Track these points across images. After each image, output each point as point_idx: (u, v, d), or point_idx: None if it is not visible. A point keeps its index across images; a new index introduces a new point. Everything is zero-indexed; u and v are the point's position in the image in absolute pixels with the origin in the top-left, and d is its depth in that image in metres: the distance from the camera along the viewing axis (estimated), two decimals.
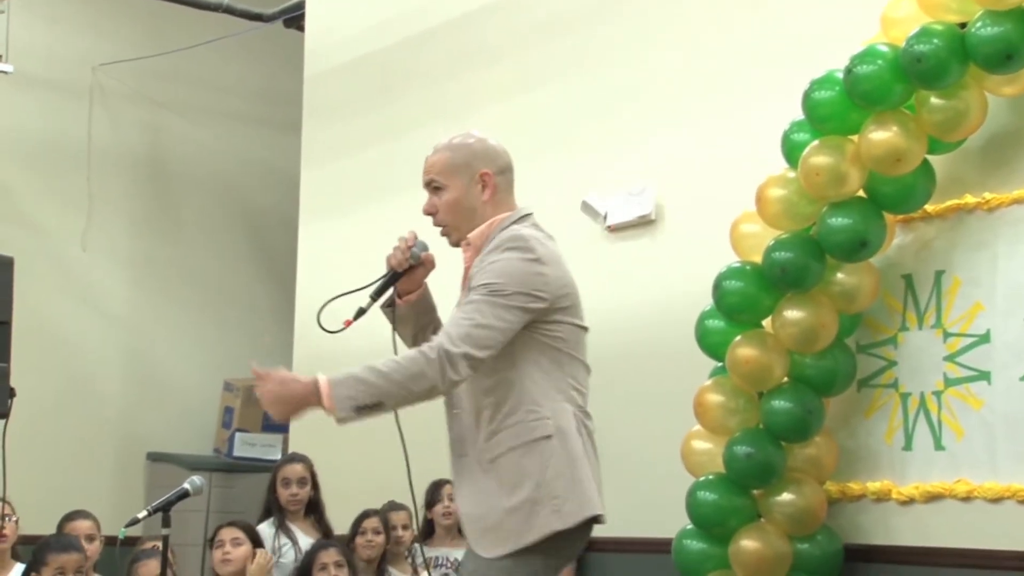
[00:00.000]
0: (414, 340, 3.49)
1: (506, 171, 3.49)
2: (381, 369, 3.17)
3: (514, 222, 3.40)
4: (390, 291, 3.50)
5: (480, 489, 3.30)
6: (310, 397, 3.17)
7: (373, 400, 3.15)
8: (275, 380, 3.22)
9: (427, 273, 3.52)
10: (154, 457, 8.32)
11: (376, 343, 3.69)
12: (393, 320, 3.52)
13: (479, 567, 3.28)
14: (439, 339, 3.20)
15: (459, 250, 3.48)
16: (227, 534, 5.12)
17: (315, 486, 5.55)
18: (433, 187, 3.45)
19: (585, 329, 3.42)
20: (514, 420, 3.27)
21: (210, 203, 8.91)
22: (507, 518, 3.23)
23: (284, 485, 5.48)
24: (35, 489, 7.33)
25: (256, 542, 5.15)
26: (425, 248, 3.49)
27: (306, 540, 5.42)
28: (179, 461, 8.08)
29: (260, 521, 5.48)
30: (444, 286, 3.58)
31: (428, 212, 3.46)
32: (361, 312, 3.41)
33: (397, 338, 3.55)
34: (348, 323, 3.39)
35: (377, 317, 3.54)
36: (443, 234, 3.47)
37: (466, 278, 3.42)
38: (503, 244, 3.32)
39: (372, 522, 5.53)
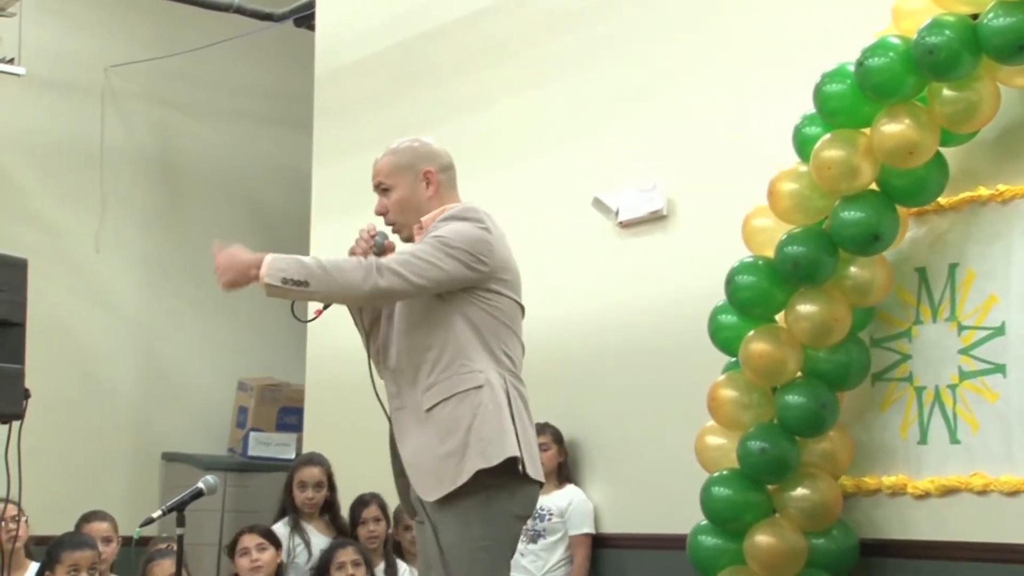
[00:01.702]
0: (367, 334, 3.79)
1: (447, 169, 3.79)
2: (320, 259, 3.48)
3: (465, 208, 3.69)
4: None
5: (418, 438, 3.56)
6: (252, 267, 3.46)
7: (300, 277, 3.42)
8: (228, 252, 3.53)
9: None
10: (169, 457, 8.34)
11: None
12: (357, 312, 3.78)
13: (435, 516, 3.50)
14: (382, 258, 3.54)
15: None
16: (251, 541, 5.12)
17: (331, 487, 5.56)
18: (382, 189, 3.76)
19: (522, 308, 3.71)
20: (449, 373, 3.53)
21: (222, 202, 8.92)
22: (442, 463, 3.48)
23: (300, 488, 5.49)
24: (50, 489, 7.36)
25: (277, 544, 5.16)
26: (386, 238, 3.75)
27: (320, 539, 5.44)
28: (194, 461, 8.09)
29: (275, 521, 5.49)
30: None
31: (379, 212, 3.77)
32: (327, 304, 3.64)
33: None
34: (319, 312, 3.69)
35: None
36: (394, 231, 3.77)
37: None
38: (456, 214, 3.63)
39: (371, 510, 5.54)
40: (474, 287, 3.57)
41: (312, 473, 5.52)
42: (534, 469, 3.55)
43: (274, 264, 3.43)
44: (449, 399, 3.52)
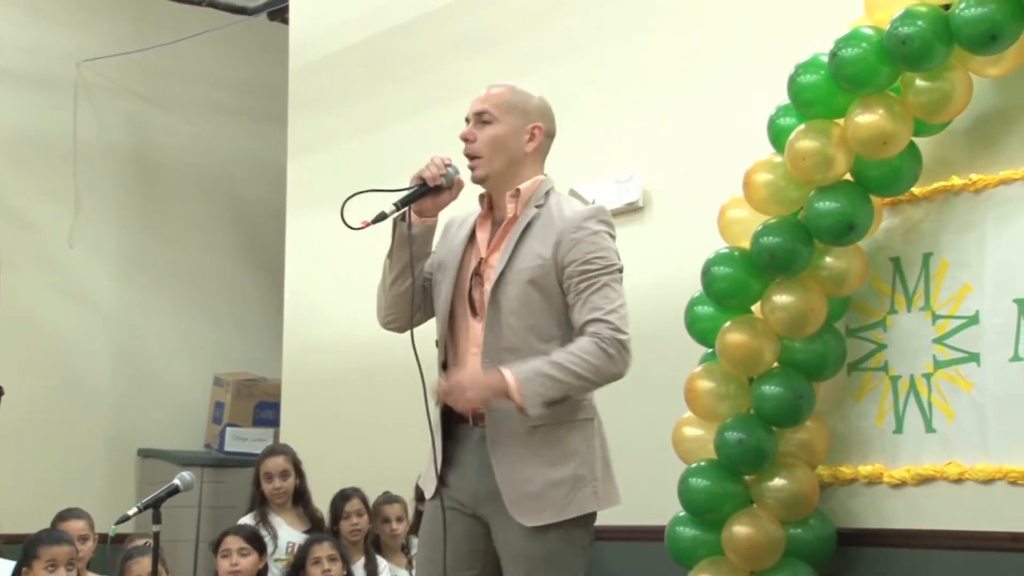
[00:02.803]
0: (407, 266, 3.44)
1: (551, 136, 3.57)
2: (566, 366, 3.25)
3: (552, 189, 3.51)
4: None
5: (519, 453, 3.32)
6: (502, 388, 3.22)
7: (561, 395, 3.26)
8: (464, 374, 3.30)
9: (452, 199, 3.50)
10: (145, 453, 8.31)
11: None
12: (407, 237, 3.43)
13: (525, 542, 3.31)
14: (606, 329, 3.30)
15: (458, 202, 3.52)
16: (234, 543, 5.11)
17: (300, 475, 5.55)
18: (482, 119, 3.47)
19: None
20: None
21: (197, 197, 8.88)
22: (550, 490, 3.29)
23: (267, 479, 5.49)
24: (26, 487, 7.34)
25: (261, 549, 5.15)
26: (458, 172, 3.48)
27: (290, 531, 5.44)
28: (170, 457, 8.06)
29: (245, 514, 5.49)
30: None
31: (465, 138, 3.47)
32: (382, 216, 3.38)
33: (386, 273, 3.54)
34: (366, 224, 3.34)
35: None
36: (471, 165, 3.47)
37: (509, 225, 3.44)
38: (595, 214, 3.42)
39: (354, 504, 5.54)
40: None
41: (277, 463, 5.52)
42: None
43: (528, 390, 3.21)
44: (560, 424, 3.33)
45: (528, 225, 3.43)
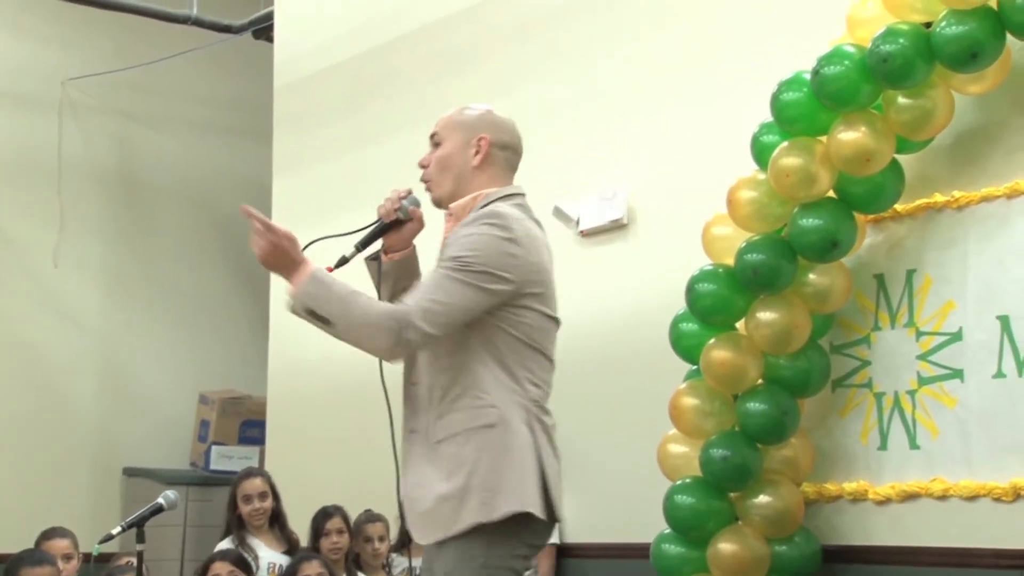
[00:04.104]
0: (390, 301, 3.35)
1: (507, 148, 3.41)
2: (353, 300, 3.15)
3: (499, 199, 3.32)
4: (378, 244, 3.42)
5: (421, 472, 3.22)
6: (290, 269, 3.20)
7: (325, 315, 3.14)
8: (284, 236, 3.24)
9: (416, 231, 3.44)
10: (130, 472, 8.28)
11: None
12: (377, 275, 3.42)
13: (431, 562, 3.22)
14: (407, 307, 3.14)
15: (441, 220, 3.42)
16: (222, 568, 5.09)
17: (276, 497, 5.56)
18: (434, 141, 3.43)
19: (555, 321, 3.32)
20: (462, 405, 3.19)
21: (182, 214, 8.87)
22: (439, 505, 3.15)
23: (245, 501, 5.49)
24: (10, 505, 7.31)
25: (248, 571, 5.14)
26: (417, 204, 3.41)
27: (270, 552, 5.43)
28: (155, 475, 8.04)
29: (221, 539, 5.48)
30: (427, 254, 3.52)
31: (421, 164, 3.43)
32: (343, 261, 3.34)
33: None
34: (329, 270, 3.26)
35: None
36: (426, 189, 3.43)
37: (443, 247, 3.32)
38: (480, 218, 3.24)
39: (335, 522, 5.53)
40: (499, 304, 3.19)
41: (254, 484, 5.52)
42: (559, 508, 3.20)
43: (307, 288, 3.15)
44: (458, 435, 3.16)
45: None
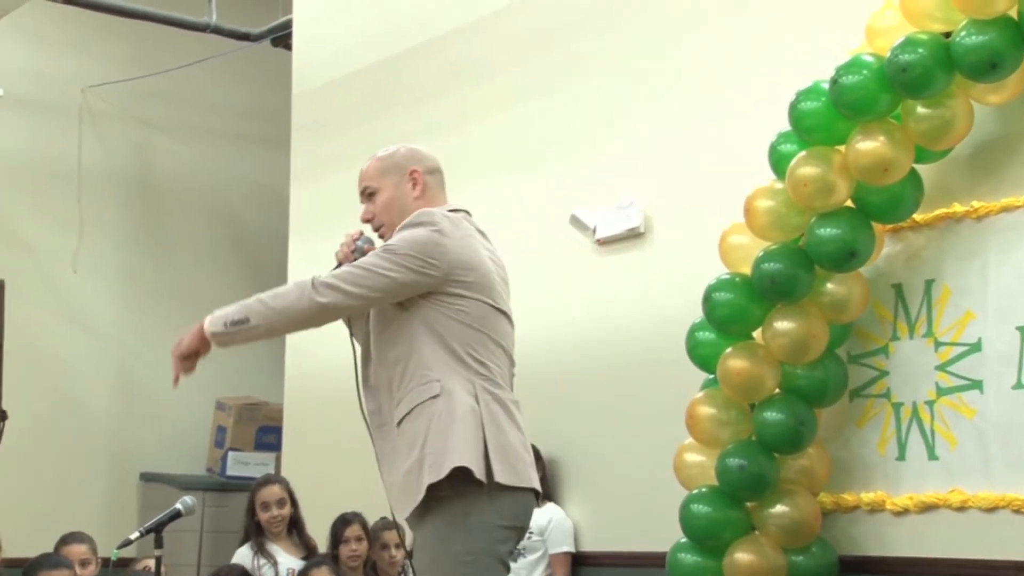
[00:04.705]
0: (365, 342, 3.64)
1: (435, 172, 3.72)
2: (258, 296, 3.43)
3: (419, 213, 3.57)
4: None
5: (392, 456, 3.46)
6: (197, 331, 3.47)
7: (239, 316, 3.42)
8: (176, 347, 3.52)
9: None
10: (147, 477, 8.30)
11: None
12: (347, 320, 3.67)
13: (413, 536, 3.43)
14: (316, 278, 3.42)
15: None
16: None
17: (294, 503, 5.58)
18: (368, 194, 3.68)
19: (502, 312, 3.54)
20: (412, 385, 3.42)
21: (200, 222, 8.91)
22: (406, 480, 3.38)
23: (264, 508, 5.51)
24: (28, 511, 7.33)
25: None
26: (370, 243, 3.64)
27: (288, 558, 5.44)
28: (172, 481, 8.06)
29: (240, 545, 5.50)
30: None
31: (365, 219, 3.70)
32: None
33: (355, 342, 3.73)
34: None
35: None
36: (381, 235, 3.66)
37: None
38: (410, 221, 3.51)
39: (354, 530, 5.55)
40: (433, 292, 3.43)
41: (273, 491, 5.56)
42: (513, 475, 3.35)
43: (214, 315, 3.45)
44: (411, 412, 3.40)
45: None
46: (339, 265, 3.60)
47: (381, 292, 3.41)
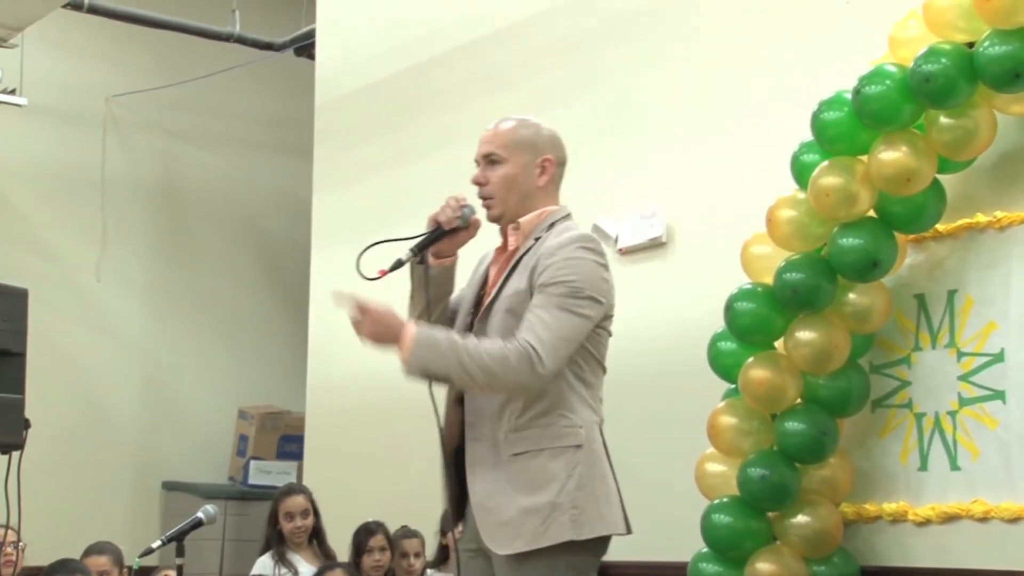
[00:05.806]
0: (425, 309, 3.46)
1: (563, 165, 3.54)
2: (462, 354, 3.20)
3: (563, 218, 3.46)
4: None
5: (495, 482, 3.29)
6: (396, 337, 3.24)
7: (443, 374, 3.22)
8: (381, 310, 3.27)
9: (469, 238, 3.49)
10: (169, 486, 8.34)
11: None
12: (424, 280, 3.46)
13: (508, 573, 3.29)
14: (524, 344, 3.19)
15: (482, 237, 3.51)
16: None
17: (316, 514, 5.61)
18: (490, 160, 3.45)
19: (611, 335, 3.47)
20: (546, 422, 3.27)
21: (223, 231, 8.95)
22: (524, 518, 3.24)
23: (287, 519, 5.53)
24: (51, 519, 7.36)
25: None
26: (474, 212, 3.46)
27: (309, 568, 5.46)
28: (194, 490, 8.09)
29: (260, 554, 5.52)
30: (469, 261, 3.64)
31: (478, 182, 3.45)
32: (399, 264, 3.39)
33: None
34: (383, 273, 3.33)
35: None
36: (485, 205, 3.46)
37: (508, 259, 3.44)
38: (575, 241, 3.34)
39: (378, 540, 5.57)
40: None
41: (297, 502, 5.58)
42: (625, 524, 3.38)
43: (416, 352, 3.20)
44: (543, 451, 3.25)
45: (521, 257, 3.42)
46: (437, 226, 3.43)
47: (584, 336, 3.29)
